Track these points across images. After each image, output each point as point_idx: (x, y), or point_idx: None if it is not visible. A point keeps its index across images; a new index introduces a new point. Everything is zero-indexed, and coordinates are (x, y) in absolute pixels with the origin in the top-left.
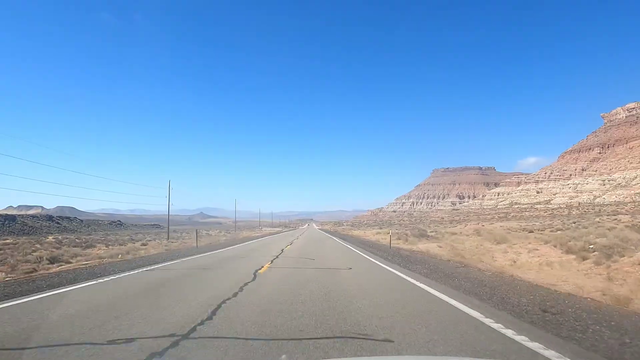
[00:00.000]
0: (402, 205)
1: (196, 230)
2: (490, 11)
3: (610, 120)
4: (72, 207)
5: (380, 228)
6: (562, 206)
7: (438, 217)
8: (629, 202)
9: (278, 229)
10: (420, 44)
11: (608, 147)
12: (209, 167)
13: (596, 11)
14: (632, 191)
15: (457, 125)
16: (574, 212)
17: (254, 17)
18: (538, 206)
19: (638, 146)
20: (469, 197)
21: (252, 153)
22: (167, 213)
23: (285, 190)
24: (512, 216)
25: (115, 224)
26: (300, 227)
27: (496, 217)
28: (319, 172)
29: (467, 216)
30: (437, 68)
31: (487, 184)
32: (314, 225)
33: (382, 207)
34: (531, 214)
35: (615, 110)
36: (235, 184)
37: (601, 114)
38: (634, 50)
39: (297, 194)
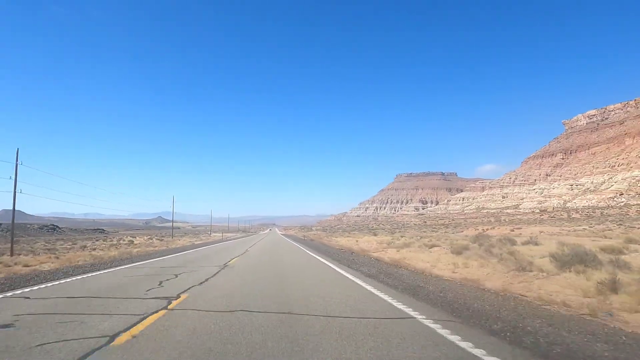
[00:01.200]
0: (366, 210)
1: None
2: (451, 18)
3: (572, 127)
4: (20, 211)
5: (375, 234)
6: (535, 210)
7: (411, 221)
8: (605, 207)
9: (232, 234)
10: (383, 49)
11: (570, 152)
12: (168, 171)
13: (555, 19)
14: (604, 195)
15: (420, 131)
16: (575, 216)
17: (206, 16)
18: (508, 211)
19: (601, 152)
20: (431, 202)
21: (216, 157)
22: (123, 217)
23: (247, 195)
24: (504, 220)
25: (47, 229)
26: (260, 232)
27: (484, 221)
28: (283, 177)
29: (449, 221)
30: (399, 76)
31: (450, 190)
32: (276, 230)
33: (346, 212)
34: (527, 217)
35: (576, 117)
36: (198, 189)
37: (562, 121)
38: (593, 58)
39: (259, 198)
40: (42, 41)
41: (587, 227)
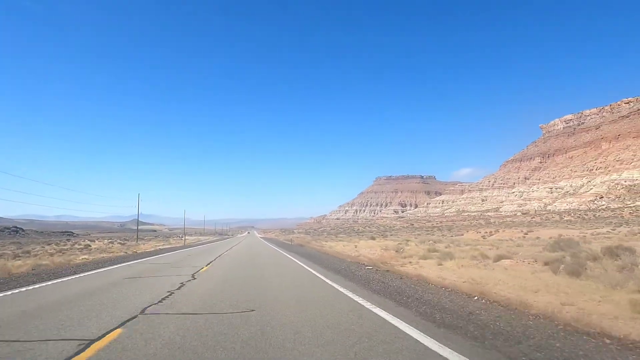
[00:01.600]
0: (346, 213)
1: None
2: (426, 22)
3: (549, 131)
4: None
5: (373, 238)
6: (518, 214)
7: (395, 224)
8: (586, 210)
9: (206, 237)
10: (362, 52)
11: (548, 156)
12: (146, 172)
13: (533, 24)
14: (584, 199)
15: (400, 134)
16: (567, 218)
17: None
18: (489, 214)
19: (578, 156)
20: (410, 205)
21: (193, 160)
22: (98, 219)
23: (225, 198)
24: (510, 222)
25: (9, 231)
26: (237, 235)
27: (474, 223)
28: (261, 180)
29: (438, 223)
30: (378, 80)
31: (428, 193)
32: (255, 232)
33: (326, 215)
34: (517, 219)
35: (553, 122)
36: (176, 191)
37: (540, 125)
38: (570, 63)
39: (237, 201)
40: None
41: (610, 230)
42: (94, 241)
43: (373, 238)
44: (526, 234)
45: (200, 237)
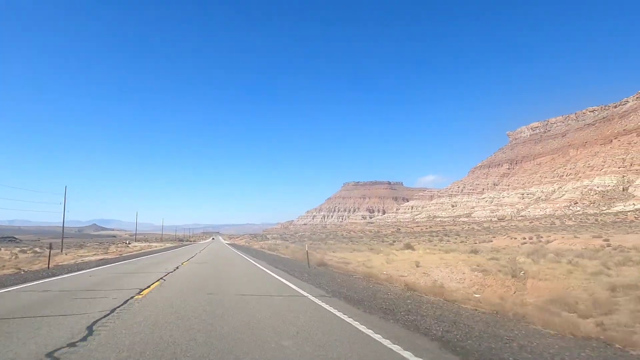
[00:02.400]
0: (314, 219)
1: None
2: (397, 28)
3: (516, 138)
4: None
5: (408, 246)
6: (493, 219)
7: (365, 229)
8: (562, 215)
9: (161, 245)
10: (332, 58)
11: (516, 163)
12: (105, 176)
13: (499, 33)
14: (558, 204)
15: (367, 140)
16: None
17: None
18: (461, 219)
19: (547, 162)
20: (378, 211)
21: (158, 165)
22: (54, 224)
23: (191, 203)
24: (513, 227)
25: None
26: (200, 242)
27: (465, 229)
28: (227, 185)
29: (426, 228)
30: (345, 86)
31: (396, 199)
32: (220, 238)
33: (293, 220)
34: (516, 224)
35: (520, 129)
36: (137, 195)
37: (507, 132)
38: (535, 71)
39: (202, 207)
40: None
41: None
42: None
43: (410, 247)
44: (534, 239)
45: (155, 243)
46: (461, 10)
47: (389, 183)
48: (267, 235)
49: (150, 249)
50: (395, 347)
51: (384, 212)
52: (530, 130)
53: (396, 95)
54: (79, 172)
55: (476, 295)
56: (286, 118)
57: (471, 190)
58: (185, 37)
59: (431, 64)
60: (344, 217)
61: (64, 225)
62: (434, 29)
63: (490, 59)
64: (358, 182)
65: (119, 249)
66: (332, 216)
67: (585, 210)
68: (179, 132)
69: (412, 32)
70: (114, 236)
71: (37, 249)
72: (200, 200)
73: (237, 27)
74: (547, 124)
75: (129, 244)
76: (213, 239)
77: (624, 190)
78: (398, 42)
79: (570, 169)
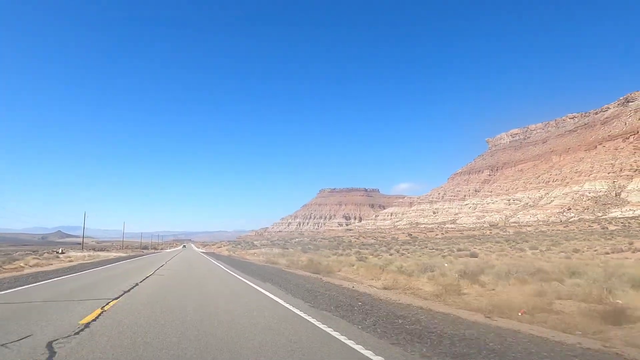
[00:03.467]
0: (289, 225)
1: None
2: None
3: (495, 145)
4: None
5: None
6: (484, 225)
7: (347, 235)
8: (556, 222)
9: (114, 254)
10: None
11: (497, 169)
12: (73, 181)
13: (478, 39)
14: (549, 210)
15: (344, 146)
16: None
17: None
18: (446, 226)
19: (529, 169)
20: (354, 218)
21: (130, 170)
22: (15, 232)
23: (161, 210)
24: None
25: None
26: (167, 250)
27: (464, 235)
28: (198, 192)
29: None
30: (321, 92)
31: (373, 206)
32: (192, 246)
33: (267, 227)
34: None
35: (499, 136)
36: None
37: (486, 139)
38: (514, 77)
39: (173, 214)
40: None
41: None
42: None
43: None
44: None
45: (114, 252)
46: (439, 17)
47: (366, 190)
48: (255, 242)
49: (84, 261)
50: None
51: (360, 220)
52: (510, 136)
53: (373, 101)
54: (44, 175)
55: None
56: (260, 124)
57: (452, 197)
58: (164, 38)
59: (408, 70)
60: (320, 224)
61: (29, 233)
62: (412, 35)
63: (467, 66)
64: (334, 188)
65: (40, 261)
66: (307, 223)
67: (581, 217)
68: (154, 143)
69: (387, 36)
70: (79, 243)
71: None
72: (171, 207)
73: (206, 29)
74: (526, 131)
75: (61, 253)
76: (184, 246)
77: (616, 195)
78: (374, 47)
79: (556, 174)
